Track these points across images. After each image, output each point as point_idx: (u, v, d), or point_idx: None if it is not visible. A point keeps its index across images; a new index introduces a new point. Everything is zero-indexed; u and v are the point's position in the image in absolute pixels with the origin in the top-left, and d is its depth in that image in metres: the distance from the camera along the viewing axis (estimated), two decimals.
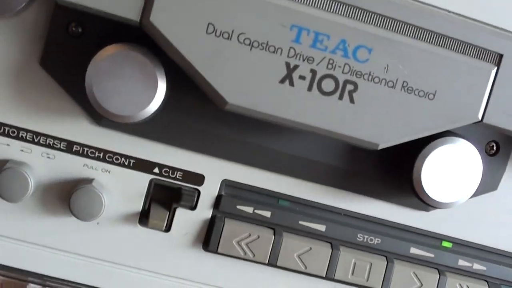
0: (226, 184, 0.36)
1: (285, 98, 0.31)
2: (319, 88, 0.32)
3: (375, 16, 0.32)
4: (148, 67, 0.32)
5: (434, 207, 0.35)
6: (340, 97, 0.32)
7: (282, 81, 0.31)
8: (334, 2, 0.31)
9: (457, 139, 0.35)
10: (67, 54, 0.34)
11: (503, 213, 0.39)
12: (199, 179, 0.36)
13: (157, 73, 0.32)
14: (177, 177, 0.36)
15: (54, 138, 0.35)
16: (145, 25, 0.30)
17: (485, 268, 0.39)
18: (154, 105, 0.33)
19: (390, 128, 0.32)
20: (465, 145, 0.35)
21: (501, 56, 0.33)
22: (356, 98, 0.32)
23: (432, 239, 0.39)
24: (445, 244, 0.39)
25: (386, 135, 0.32)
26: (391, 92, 0.32)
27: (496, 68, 0.33)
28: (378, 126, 0.32)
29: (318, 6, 0.31)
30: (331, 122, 0.32)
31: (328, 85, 0.32)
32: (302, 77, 0.31)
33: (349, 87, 0.32)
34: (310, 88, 0.31)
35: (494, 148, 0.38)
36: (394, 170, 0.36)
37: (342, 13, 0.31)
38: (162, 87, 0.32)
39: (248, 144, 0.35)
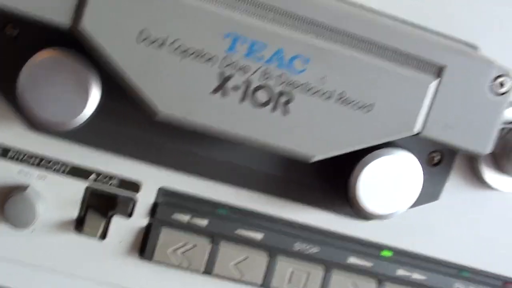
0: (163, 192, 0.36)
1: (218, 109, 0.31)
2: (253, 99, 0.31)
3: (314, 25, 0.31)
4: (81, 73, 0.31)
5: (371, 218, 0.35)
6: (274, 109, 0.31)
7: (214, 91, 0.31)
8: (271, 11, 0.31)
9: (397, 149, 0.35)
10: (3, 56, 0.33)
11: (444, 223, 0.39)
12: (135, 186, 0.35)
13: (91, 79, 0.32)
14: (113, 184, 0.35)
15: None
16: (76, 31, 0.30)
17: (425, 278, 0.39)
18: (88, 111, 0.32)
19: (324, 140, 0.32)
20: (404, 155, 0.35)
21: (442, 67, 0.32)
22: (291, 110, 0.31)
23: (371, 248, 0.38)
24: (385, 253, 0.39)
25: (320, 148, 0.32)
26: (327, 104, 0.31)
27: (437, 80, 0.32)
28: (312, 138, 0.32)
29: (255, 14, 0.31)
30: (263, 134, 0.31)
31: (262, 96, 0.31)
32: (235, 88, 0.31)
33: (284, 98, 0.31)
34: (243, 99, 0.31)
35: (438, 158, 0.38)
36: (333, 178, 0.36)
37: (279, 22, 0.31)
38: (96, 93, 0.32)
39: (185, 152, 0.35)
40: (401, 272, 0.39)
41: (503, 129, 0.37)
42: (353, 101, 0.32)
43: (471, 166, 0.38)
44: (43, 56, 0.31)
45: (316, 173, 0.36)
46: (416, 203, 0.37)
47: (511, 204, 0.39)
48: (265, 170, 0.35)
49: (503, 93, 0.34)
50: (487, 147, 0.34)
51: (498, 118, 0.34)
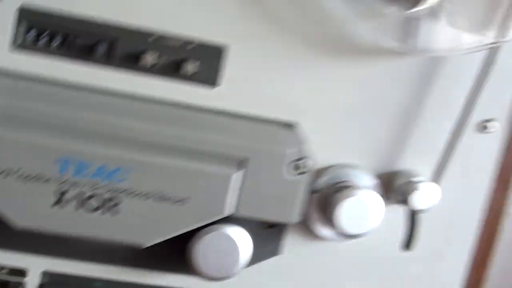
0: (46, 274, 0.44)
1: (60, 218, 0.39)
2: (86, 207, 0.39)
3: (128, 142, 0.39)
4: None
5: (213, 280, 0.43)
6: (104, 212, 0.39)
7: (55, 204, 0.39)
8: (89, 134, 0.38)
9: (225, 225, 0.42)
10: None
11: (287, 275, 0.46)
12: (22, 272, 0.44)
13: None
14: (4, 272, 0.44)
15: None
16: None
17: None
18: None
19: (151, 230, 0.40)
20: (232, 228, 0.42)
21: (244, 160, 0.40)
22: (120, 210, 0.39)
23: None
24: None
25: (149, 236, 0.40)
26: (148, 202, 0.39)
27: (241, 171, 0.40)
28: (141, 230, 0.40)
29: (78, 139, 0.38)
30: (100, 232, 0.39)
31: (93, 203, 0.39)
32: (71, 200, 0.39)
33: (112, 202, 0.39)
34: (78, 208, 0.39)
35: None
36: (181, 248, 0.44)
37: (100, 142, 0.39)
38: None
39: (60, 240, 0.43)
40: None
41: (314, 192, 0.44)
42: (170, 197, 0.40)
43: (304, 223, 0.46)
44: None
45: (169, 245, 0.44)
46: (257, 260, 0.44)
47: (342, 252, 0.46)
48: (126, 249, 0.44)
49: (302, 173, 0.41)
50: (294, 218, 0.41)
51: (301, 193, 0.41)
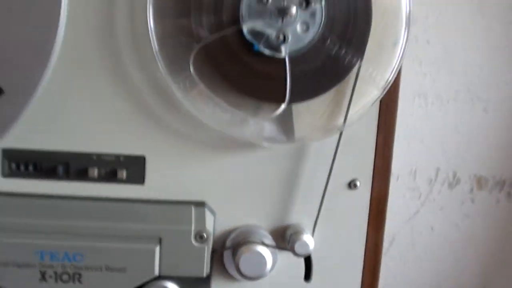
0: None
1: None
2: (61, 280, 0.59)
3: (82, 234, 0.58)
4: None
5: None
6: (74, 282, 0.59)
7: (40, 280, 0.59)
8: (56, 233, 0.58)
9: (163, 281, 0.61)
10: None
11: None
12: None
13: None
14: None
15: None
16: None
17: None
18: None
19: None
20: (168, 282, 0.61)
21: (160, 238, 0.59)
22: (83, 280, 0.59)
23: None
24: None
25: None
26: (101, 272, 0.59)
27: (159, 245, 0.59)
28: None
29: (49, 236, 0.58)
30: None
31: (66, 277, 0.59)
32: (50, 276, 0.58)
33: (77, 275, 0.59)
34: (56, 281, 0.59)
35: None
36: None
37: (63, 238, 0.58)
38: None
39: None
40: None
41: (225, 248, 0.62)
42: (115, 268, 0.59)
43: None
44: None
45: None
46: None
47: None
48: None
49: (203, 241, 0.59)
50: (203, 272, 0.60)
51: (206, 255, 0.59)
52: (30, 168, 0.60)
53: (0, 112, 0.55)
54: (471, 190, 0.88)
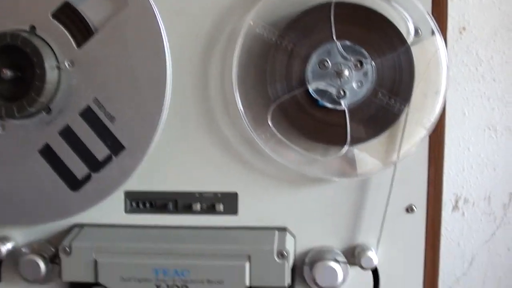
0: None
1: None
2: None
3: (189, 255, 0.75)
4: None
5: None
6: None
7: None
8: (169, 254, 0.75)
9: None
10: None
11: None
12: None
13: None
14: None
15: None
16: None
17: None
18: None
19: None
20: None
21: (249, 255, 0.74)
22: None
23: None
24: None
25: None
26: (202, 284, 0.74)
27: (249, 262, 0.74)
28: None
29: (162, 256, 0.75)
30: None
31: None
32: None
33: (185, 287, 0.75)
34: None
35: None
36: None
37: (174, 258, 0.75)
38: None
39: None
40: None
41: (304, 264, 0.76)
42: (214, 281, 0.74)
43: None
44: None
45: None
46: None
47: None
48: None
49: (284, 258, 0.74)
50: (285, 283, 0.74)
51: (286, 269, 0.74)
52: (147, 205, 0.77)
53: (122, 164, 0.73)
54: None
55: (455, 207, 0.99)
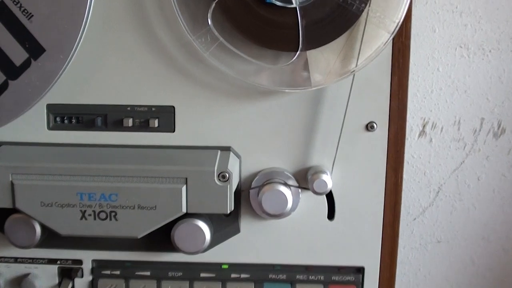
0: (95, 261, 0.72)
1: (85, 227, 0.66)
2: (99, 217, 0.66)
3: (117, 176, 0.65)
4: None
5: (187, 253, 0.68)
6: (110, 219, 0.66)
7: (81, 218, 0.66)
8: (94, 176, 0.65)
9: (193, 218, 0.67)
10: None
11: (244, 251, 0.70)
12: (80, 262, 0.72)
13: None
14: (68, 263, 0.72)
15: None
16: None
17: (248, 275, 0.71)
18: None
19: (140, 227, 0.66)
20: (195, 221, 0.67)
21: (187, 177, 0.65)
22: (118, 218, 0.66)
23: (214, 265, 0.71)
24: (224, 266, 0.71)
25: (140, 231, 0.66)
26: (134, 211, 0.65)
27: (185, 185, 0.65)
28: (134, 227, 0.66)
29: (87, 178, 0.65)
30: (111, 232, 0.65)
31: (103, 215, 0.66)
32: (89, 215, 0.65)
33: (112, 214, 0.65)
34: (95, 219, 0.66)
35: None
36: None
37: (101, 180, 0.65)
38: None
39: (99, 239, 0.70)
40: (234, 275, 0.71)
41: (252, 188, 0.67)
42: (146, 206, 0.65)
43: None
44: None
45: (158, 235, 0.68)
46: (223, 239, 0.69)
47: (283, 227, 0.69)
48: (138, 239, 0.69)
49: (226, 180, 0.65)
50: (227, 210, 0.65)
51: (228, 193, 0.65)
52: (72, 120, 0.67)
53: (43, 69, 0.62)
54: None
55: (422, 132, 0.90)
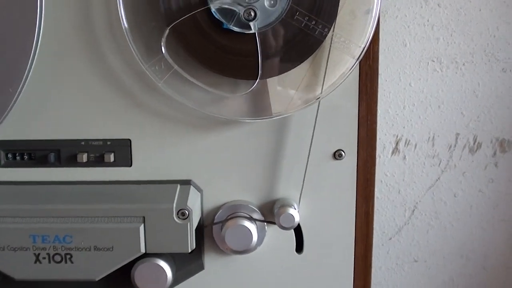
0: None
1: (39, 270, 0.62)
2: (54, 261, 0.62)
3: (71, 217, 0.61)
4: None
5: None
6: (66, 262, 0.62)
7: (35, 262, 0.62)
8: (47, 217, 0.61)
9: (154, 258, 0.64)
10: None
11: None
12: None
13: None
14: None
15: None
16: None
17: None
18: None
19: (97, 269, 0.62)
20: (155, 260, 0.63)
21: (144, 217, 0.61)
22: (74, 260, 0.62)
23: None
24: None
25: (97, 273, 0.62)
26: (90, 252, 0.61)
27: (143, 224, 0.61)
28: (90, 269, 0.62)
29: (40, 220, 0.61)
30: (66, 275, 0.62)
31: (58, 257, 0.62)
32: (44, 258, 0.62)
33: (68, 256, 0.62)
34: (50, 262, 0.62)
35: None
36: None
37: (54, 221, 0.61)
38: None
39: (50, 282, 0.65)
40: None
41: (215, 223, 0.64)
42: (102, 248, 0.61)
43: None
44: None
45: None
46: (186, 276, 0.65)
47: (250, 262, 0.66)
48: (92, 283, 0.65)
49: (185, 218, 0.61)
50: (188, 248, 0.61)
51: (188, 231, 0.61)
52: (24, 157, 0.63)
53: None
54: (494, 153, 0.86)
55: (395, 149, 0.87)
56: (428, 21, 0.85)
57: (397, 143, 0.87)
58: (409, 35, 0.85)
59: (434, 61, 0.85)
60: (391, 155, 0.87)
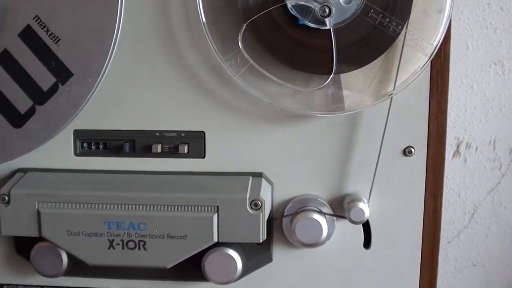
0: None
1: (113, 255, 0.64)
2: (128, 247, 0.64)
3: (146, 205, 0.63)
4: None
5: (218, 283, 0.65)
6: (139, 249, 0.64)
7: (109, 248, 0.64)
8: (123, 204, 0.63)
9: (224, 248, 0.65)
10: None
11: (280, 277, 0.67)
12: None
13: None
14: None
15: None
16: None
17: None
18: None
19: (170, 257, 0.63)
20: (227, 250, 0.65)
21: (217, 206, 0.62)
22: (147, 247, 0.63)
23: None
24: None
25: (169, 261, 0.63)
26: (163, 240, 0.63)
27: (216, 213, 0.62)
28: (162, 256, 0.63)
29: (115, 207, 0.63)
30: (139, 262, 0.63)
31: (132, 244, 0.64)
32: (118, 244, 0.63)
33: (142, 243, 0.63)
34: (123, 248, 0.64)
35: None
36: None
37: (129, 209, 0.63)
38: None
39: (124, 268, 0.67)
40: None
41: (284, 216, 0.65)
42: (176, 236, 0.63)
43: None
44: None
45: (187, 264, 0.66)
46: (255, 268, 0.66)
47: (318, 256, 0.66)
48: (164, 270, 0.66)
49: (258, 209, 0.62)
50: (259, 238, 0.63)
51: (261, 222, 0.62)
52: (100, 146, 0.65)
53: (71, 93, 0.61)
54: None
55: (456, 152, 0.87)
56: (490, 24, 0.85)
57: (458, 146, 0.87)
58: (471, 38, 0.85)
59: (496, 64, 0.85)
60: (452, 158, 0.87)
